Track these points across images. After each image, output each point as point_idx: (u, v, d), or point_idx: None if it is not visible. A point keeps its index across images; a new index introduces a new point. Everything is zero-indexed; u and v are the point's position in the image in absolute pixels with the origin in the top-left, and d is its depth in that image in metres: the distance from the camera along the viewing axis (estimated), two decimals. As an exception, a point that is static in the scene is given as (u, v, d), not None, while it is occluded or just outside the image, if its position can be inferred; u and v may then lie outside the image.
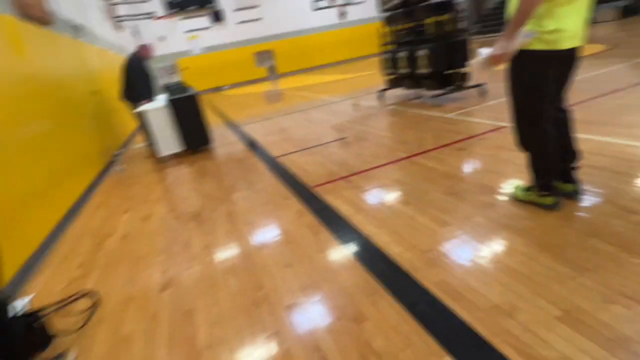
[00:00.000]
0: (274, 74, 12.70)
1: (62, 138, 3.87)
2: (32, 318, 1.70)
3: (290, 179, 3.30)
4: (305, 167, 3.53)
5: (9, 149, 2.73)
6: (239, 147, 4.96)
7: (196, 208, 3.07)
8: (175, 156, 4.94)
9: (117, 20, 11.66)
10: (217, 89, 16.09)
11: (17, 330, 1.57)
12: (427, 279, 1.67)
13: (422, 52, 4.98)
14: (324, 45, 17.80)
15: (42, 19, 2.58)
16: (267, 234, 2.41)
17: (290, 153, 4.12)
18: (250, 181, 3.47)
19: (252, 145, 4.85)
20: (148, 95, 5.34)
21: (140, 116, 5.27)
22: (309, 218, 2.49)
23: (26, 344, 1.62)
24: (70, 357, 1.63)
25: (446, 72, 4.96)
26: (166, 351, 1.58)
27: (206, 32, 15.71)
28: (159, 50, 15.22)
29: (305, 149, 4.20)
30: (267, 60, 12.88)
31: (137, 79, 5.26)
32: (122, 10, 12.58)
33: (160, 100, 5.31)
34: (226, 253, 2.27)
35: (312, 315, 1.61)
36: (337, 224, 2.34)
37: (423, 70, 5.07)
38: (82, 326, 1.84)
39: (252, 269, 2.04)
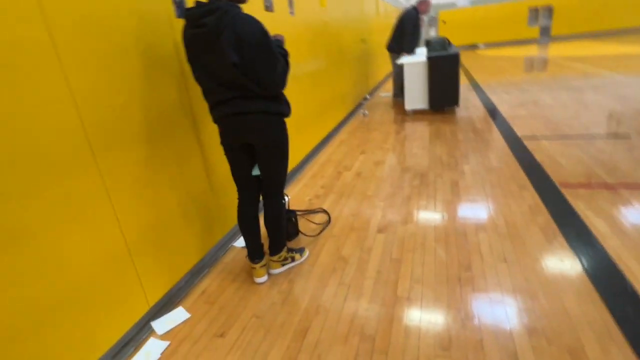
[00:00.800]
0: (546, 35, 10.71)
1: (332, 76, 4.60)
2: (291, 213, 2.28)
3: (532, 167, 2.91)
4: (556, 159, 3.01)
5: (303, 79, 3.48)
6: (480, 115, 4.64)
7: (423, 168, 3.18)
8: (417, 112, 5.11)
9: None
10: (472, 47, 15.03)
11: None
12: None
13: None
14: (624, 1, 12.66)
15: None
16: (489, 218, 2.28)
17: (541, 137, 3.56)
18: (484, 156, 3.27)
19: (493, 116, 4.45)
20: (411, 49, 5.55)
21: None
22: (544, 219, 2.18)
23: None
24: (305, 254, 2.13)
25: None
26: (371, 283, 1.83)
27: (479, -18, 14.48)
28: None
29: (562, 136, 3.53)
30: (542, 18, 10.90)
31: (407, 33, 5.49)
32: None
33: (420, 54, 5.45)
34: (441, 222, 2.31)
35: (518, 320, 1.50)
36: (581, 238, 1.96)
37: None
38: (317, 234, 2.34)
39: (463, 247, 2.01)
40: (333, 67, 4.69)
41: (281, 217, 1.94)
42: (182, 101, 1.91)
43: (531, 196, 2.46)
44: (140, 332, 1.66)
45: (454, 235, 2.14)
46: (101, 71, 1.44)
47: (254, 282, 1.95)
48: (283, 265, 2.01)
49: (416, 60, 4.80)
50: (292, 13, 3.23)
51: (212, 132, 2.14)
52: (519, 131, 3.80)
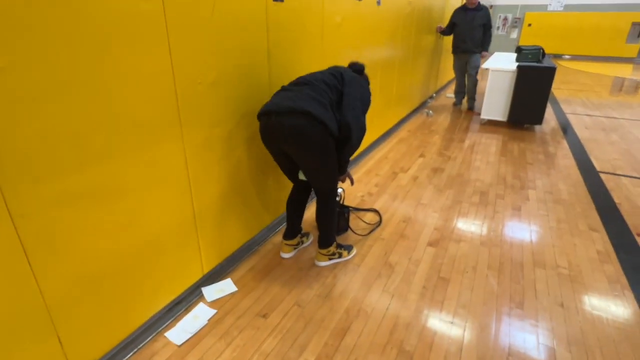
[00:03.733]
0: (645, 57, 9.64)
1: (404, 70, 4.46)
2: (345, 209, 2.29)
3: (607, 207, 2.69)
4: (638, 204, 2.75)
5: (375, 70, 3.41)
6: (554, 135, 4.32)
7: (485, 184, 3.04)
8: (487, 122, 4.86)
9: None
10: (556, 56, 13.86)
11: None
12: None
13: None
14: None
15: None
16: (551, 255, 2.15)
17: (622, 174, 3.26)
18: (553, 183, 3.06)
19: (569, 139, 4.12)
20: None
21: (464, 69, 5.28)
22: (614, 269, 2.02)
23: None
24: (353, 252, 2.14)
25: None
26: (415, 298, 1.82)
27: (579, -14, 13.13)
28: (513, -2, 14.16)
29: (647, 177, 3.21)
30: (646, 36, 9.78)
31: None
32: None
33: (503, 60, 5.10)
34: (497, 247, 2.22)
35: (568, 375, 1.42)
36: (653, 299, 1.81)
37: None
38: (366, 234, 2.34)
39: (518, 281, 1.93)
40: (407, 60, 4.53)
41: (332, 215, 1.98)
42: (263, 84, 1.95)
43: (602, 240, 2.28)
44: (191, 294, 1.77)
45: (510, 265, 2.06)
46: (199, 47, 1.50)
47: (300, 268, 2.00)
48: (330, 259, 2.05)
49: (504, 67, 4.44)
50: (378, 3, 3.14)
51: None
52: (597, 163, 3.51)
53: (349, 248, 2.13)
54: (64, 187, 1.12)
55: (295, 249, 2.14)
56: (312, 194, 2.45)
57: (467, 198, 2.81)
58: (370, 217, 2.55)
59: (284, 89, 1.75)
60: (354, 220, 2.48)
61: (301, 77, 1.77)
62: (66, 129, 1.09)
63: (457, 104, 5.85)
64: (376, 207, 2.67)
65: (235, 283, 1.89)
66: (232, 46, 1.67)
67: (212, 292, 1.83)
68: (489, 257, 2.12)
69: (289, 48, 2.09)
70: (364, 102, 1.84)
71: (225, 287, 1.87)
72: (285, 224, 2.13)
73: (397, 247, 2.22)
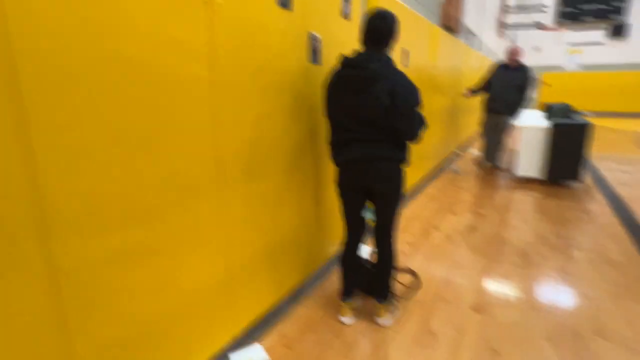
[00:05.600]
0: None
1: (436, 122, 4.50)
2: (371, 267, 2.17)
3: (666, 270, 2.45)
4: (699, 265, 2.51)
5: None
6: (591, 192, 4.14)
7: (524, 244, 2.87)
8: (518, 179, 4.74)
9: (503, 28, 11.98)
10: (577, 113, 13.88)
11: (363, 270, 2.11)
12: None
13: None
14: None
15: (455, 27, 2.98)
16: (614, 323, 1.93)
17: (675, 233, 3.03)
18: (599, 243, 2.86)
19: (609, 196, 3.93)
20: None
21: (494, 129, 5.28)
22: (691, 342, 1.78)
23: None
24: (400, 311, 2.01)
25: None
26: (465, 373, 1.62)
27: (593, 48, 13.56)
28: (529, 60, 14.64)
29: None
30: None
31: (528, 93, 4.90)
32: (510, 18, 12.76)
33: (531, 117, 5.08)
34: (549, 314, 2.02)
35: None
36: None
37: None
38: (403, 297, 2.18)
39: (582, 355, 1.71)
40: (433, 116, 4.59)
41: (393, 260, 1.91)
42: (305, 140, 1.98)
43: (669, 308, 2.05)
44: (218, 361, 1.65)
45: (570, 335, 1.84)
46: (242, 107, 1.54)
47: (334, 336, 1.86)
48: (392, 315, 1.95)
49: (536, 124, 4.41)
50: (406, 65, 3.27)
51: (325, 171, 2.18)
52: (644, 221, 3.29)
53: (398, 301, 2.05)
54: (109, 245, 1.10)
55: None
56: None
57: (507, 258, 2.64)
58: (405, 278, 2.40)
59: (349, 140, 1.72)
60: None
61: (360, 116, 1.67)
62: (115, 186, 1.09)
63: (484, 162, 5.56)
64: (412, 267, 2.53)
65: (267, 349, 1.76)
66: (275, 106, 1.73)
67: (241, 358, 1.70)
68: (545, 327, 1.92)
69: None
70: (414, 98, 1.66)
71: (254, 354, 1.73)
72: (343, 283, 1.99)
73: (438, 311, 2.05)
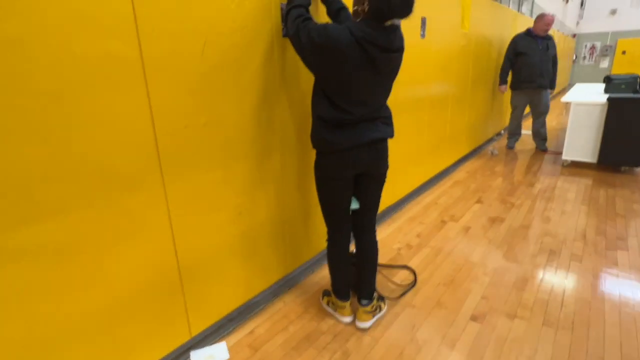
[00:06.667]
0: None
1: (463, 105, 4.04)
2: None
3: None
4: None
5: (424, 105, 3.10)
6: (658, 182, 3.49)
7: (556, 241, 2.46)
8: (572, 163, 4.14)
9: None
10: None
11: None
12: None
13: None
14: None
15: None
16: (649, 348, 1.56)
17: None
18: (654, 245, 2.37)
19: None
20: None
21: (525, 104, 4.65)
22: None
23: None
24: (386, 307, 1.85)
25: None
26: (444, 395, 1.39)
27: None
28: (603, 25, 12.87)
29: None
30: None
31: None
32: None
33: (586, 91, 4.42)
34: (566, 332, 1.68)
35: None
36: None
37: None
38: (396, 297, 1.95)
39: (596, 386, 1.39)
40: (464, 96, 4.13)
41: (377, 254, 1.77)
42: (266, 125, 1.77)
43: None
44: (178, 358, 1.57)
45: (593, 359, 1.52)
46: (186, 90, 1.38)
47: (303, 338, 1.69)
48: (374, 316, 1.77)
49: (591, 99, 3.76)
50: (422, 35, 2.89)
51: (290, 159, 1.97)
52: None
53: (384, 300, 1.85)
54: (3, 243, 1.01)
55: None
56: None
57: (531, 258, 2.28)
58: (402, 276, 2.16)
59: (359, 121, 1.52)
60: (381, 280, 2.11)
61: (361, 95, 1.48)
62: (9, 176, 0.99)
63: (510, 146, 5.01)
64: (413, 263, 2.27)
65: (230, 348, 1.65)
66: (229, 87, 1.54)
67: (201, 357, 1.60)
68: (554, 346, 1.60)
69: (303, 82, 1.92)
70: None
71: (216, 352, 1.63)
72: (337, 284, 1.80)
73: (430, 317, 1.80)
